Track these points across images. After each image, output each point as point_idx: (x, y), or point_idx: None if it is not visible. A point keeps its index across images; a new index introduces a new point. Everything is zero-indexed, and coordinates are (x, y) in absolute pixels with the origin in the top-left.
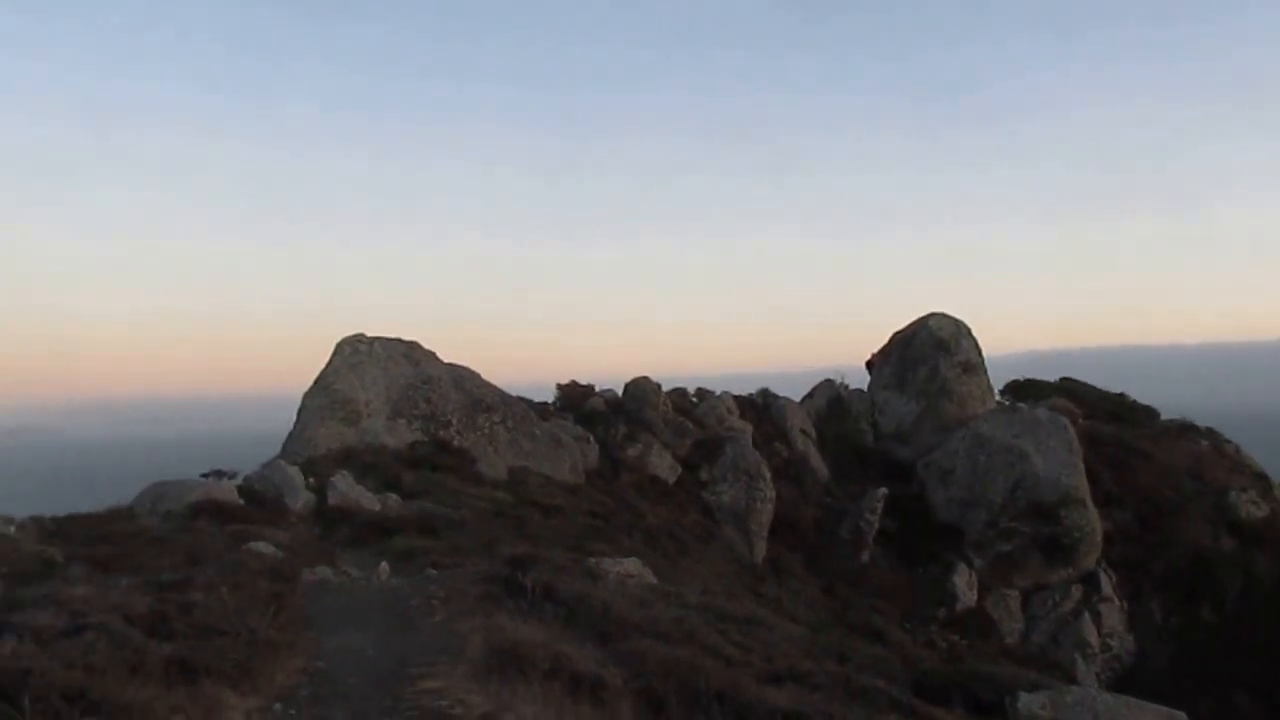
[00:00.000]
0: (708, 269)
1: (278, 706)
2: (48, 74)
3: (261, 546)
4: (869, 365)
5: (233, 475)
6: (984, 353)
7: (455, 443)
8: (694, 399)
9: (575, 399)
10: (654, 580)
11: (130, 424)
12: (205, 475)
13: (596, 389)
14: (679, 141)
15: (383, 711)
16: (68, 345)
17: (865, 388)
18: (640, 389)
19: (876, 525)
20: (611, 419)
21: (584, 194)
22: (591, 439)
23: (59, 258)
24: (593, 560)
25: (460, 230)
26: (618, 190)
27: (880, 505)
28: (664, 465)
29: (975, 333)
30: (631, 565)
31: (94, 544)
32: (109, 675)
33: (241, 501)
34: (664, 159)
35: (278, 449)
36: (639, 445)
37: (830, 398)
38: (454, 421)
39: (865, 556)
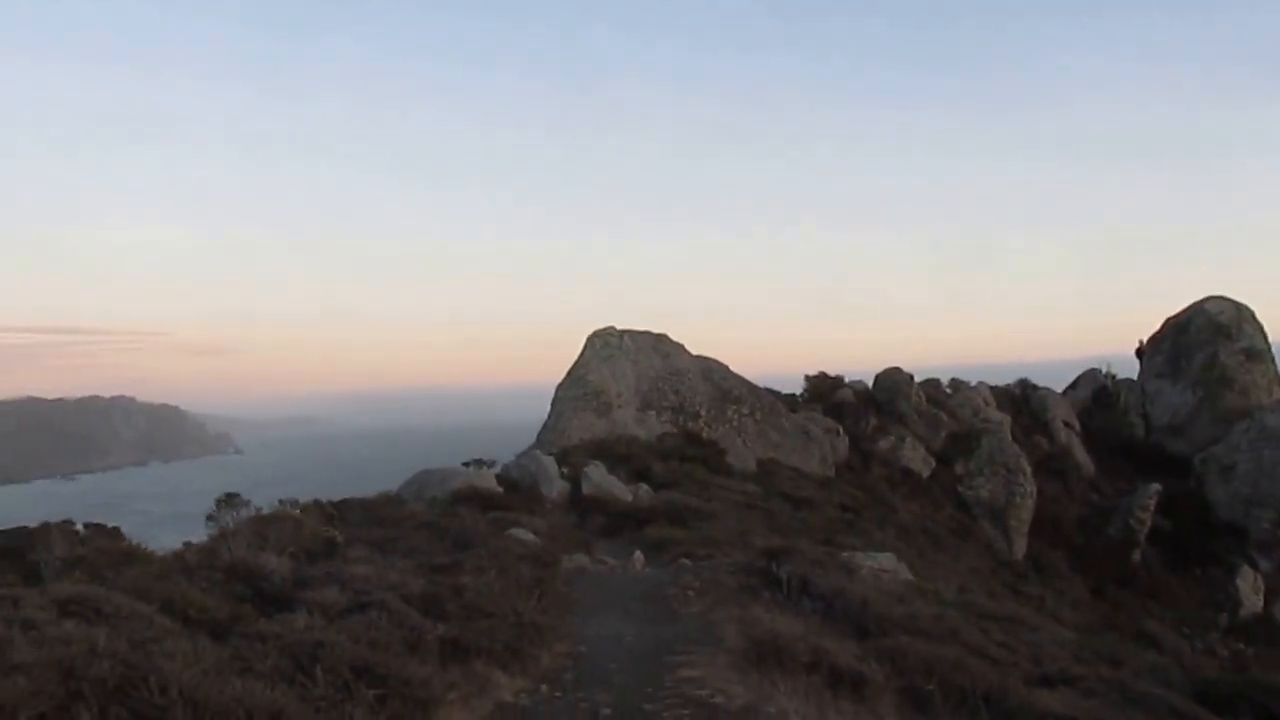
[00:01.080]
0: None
1: (544, 688)
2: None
3: (521, 533)
4: (1138, 353)
5: (491, 464)
6: (1270, 339)
7: (704, 434)
8: (948, 390)
9: (824, 390)
10: (909, 576)
11: (396, 415)
12: (466, 464)
13: (845, 380)
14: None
15: (644, 698)
16: (344, 340)
17: (1135, 377)
18: (891, 380)
19: (1149, 523)
20: (861, 411)
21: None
22: (841, 431)
23: (346, 257)
24: (846, 554)
25: (705, 221)
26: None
27: (1153, 502)
28: (917, 458)
29: (1260, 317)
30: (886, 560)
31: (369, 527)
32: (391, 651)
33: (500, 490)
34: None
35: (531, 439)
36: (890, 438)
37: (1095, 388)
38: (703, 413)
39: (1136, 557)
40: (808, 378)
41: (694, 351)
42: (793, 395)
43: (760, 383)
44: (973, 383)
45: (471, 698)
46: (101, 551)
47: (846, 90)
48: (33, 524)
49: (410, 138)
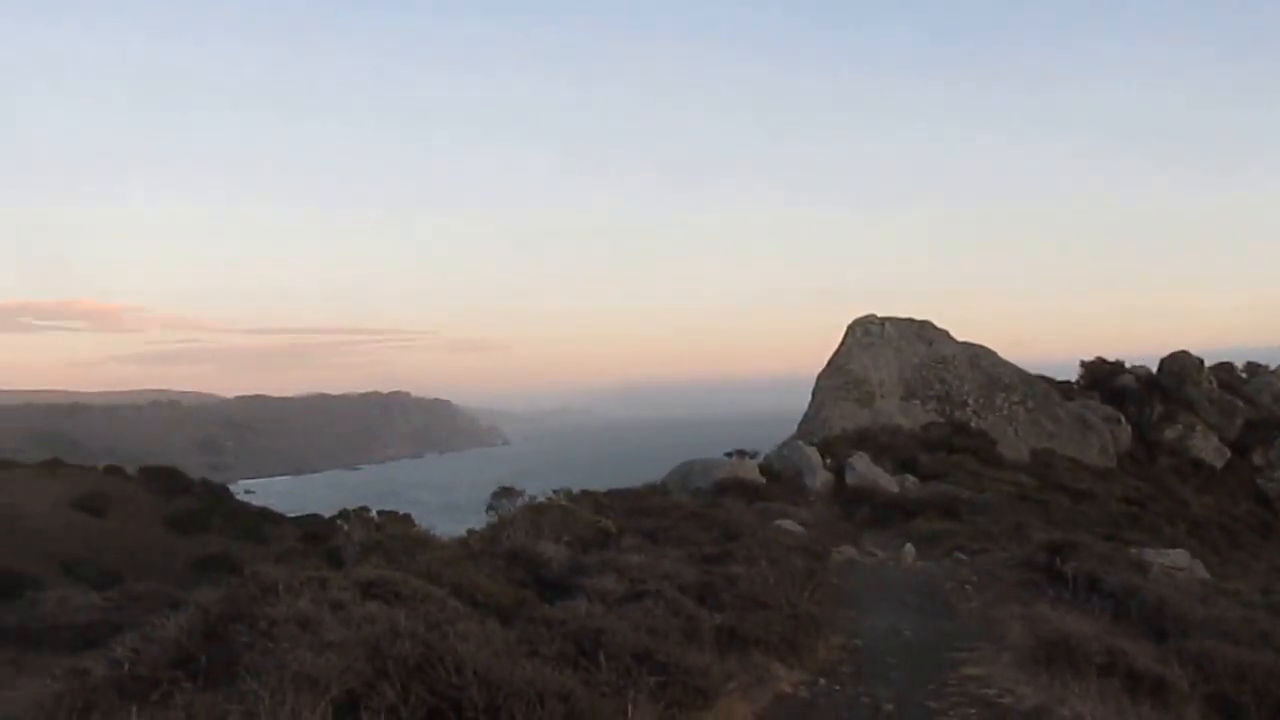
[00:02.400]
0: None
1: (822, 681)
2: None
3: (788, 524)
4: None
5: (753, 455)
6: None
7: (973, 424)
8: (1243, 374)
9: (1102, 376)
10: (1205, 575)
11: (654, 406)
12: (728, 455)
13: (1126, 365)
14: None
15: (926, 695)
16: (603, 334)
17: None
18: (1179, 364)
19: None
20: (1145, 397)
21: None
22: (1123, 419)
23: (605, 250)
24: (1133, 550)
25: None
26: None
27: None
28: (1209, 448)
29: None
30: (1179, 557)
31: (637, 516)
32: (669, 639)
33: (763, 480)
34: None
35: (791, 430)
36: (1178, 426)
37: None
38: (970, 402)
39: None
40: (1083, 363)
41: (959, 338)
42: (1067, 382)
43: (1031, 369)
44: (1272, 366)
45: (750, 688)
46: (395, 537)
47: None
48: (324, 511)
49: (675, 132)
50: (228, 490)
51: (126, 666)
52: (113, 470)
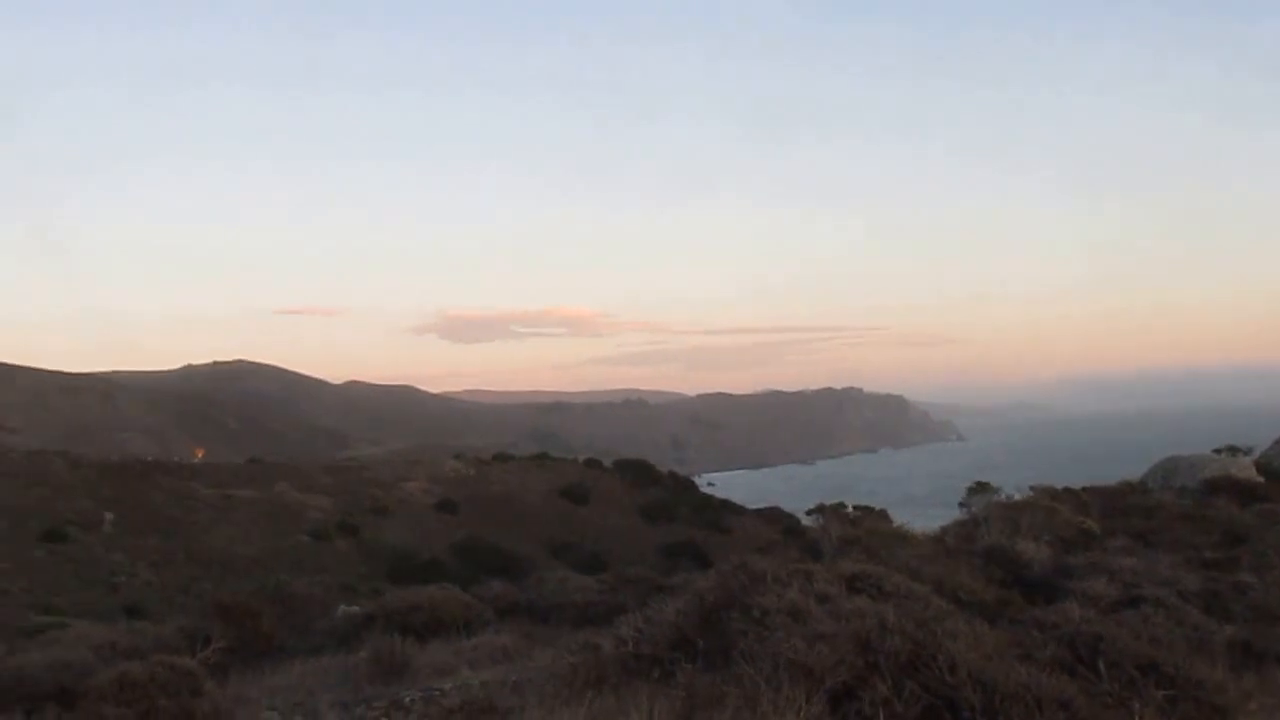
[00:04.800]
0: None
1: None
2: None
3: None
4: None
5: (1247, 451)
6: None
7: None
8: None
9: None
10: None
11: (1116, 398)
12: (1217, 451)
13: None
14: None
15: None
16: (1058, 326)
17: None
18: None
19: None
20: None
21: None
22: None
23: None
24: None
25: None
26: None
27: None
28: None
29: None
30: None
31: (1117, 516)
32: (1175, 650)
33: (1260, 479)
34: None
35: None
36: None
37: None
38: None
39: None
40: None
41: None
42: None
43: None
44: None
45: (1275, 711)
46: (872, 532)
47: None
48: (782, 504)
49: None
50: (692, 482)
51: (630, 644)
52: (592, 463)
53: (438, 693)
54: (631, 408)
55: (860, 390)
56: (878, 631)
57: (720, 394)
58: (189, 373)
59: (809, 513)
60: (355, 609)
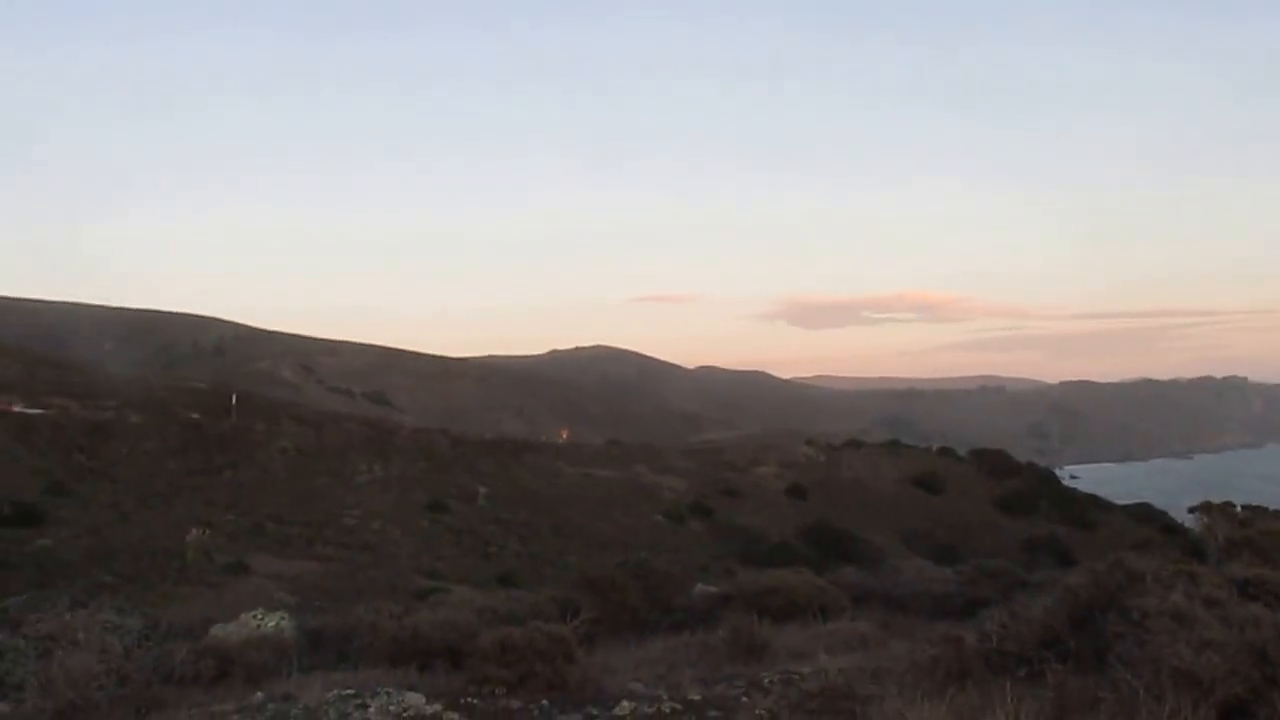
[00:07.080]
0: None
1: None
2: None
3: None
4: None
5: None
6: None
7: None
8: None
9: None
10: None
11: None
12: None
13: None
14: None
15: None
16: None
17: None
18: None
19: None
20: None
21: None
22: None
23: None
24: None
25: None
26: None
27: None
28: None
29: None
30: None
31: None
32: None
33: None
34: None
35: None
36: None
37: None
38: None
39: None
40: None
41: None
42: None
43: None
44: None
45: None
46: (1267, 533)
47: None
48: (1154, 500)
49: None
50: (1053, 474)
51: (995, 640)
52: (945, 451)
53: (796, 676)
54: (988, 395)
55: (1244, 379)
56: (1276, 642)
57: (1084, 382)
58: (555, 358)
59: (1190, 510)
60: (712, 589)
